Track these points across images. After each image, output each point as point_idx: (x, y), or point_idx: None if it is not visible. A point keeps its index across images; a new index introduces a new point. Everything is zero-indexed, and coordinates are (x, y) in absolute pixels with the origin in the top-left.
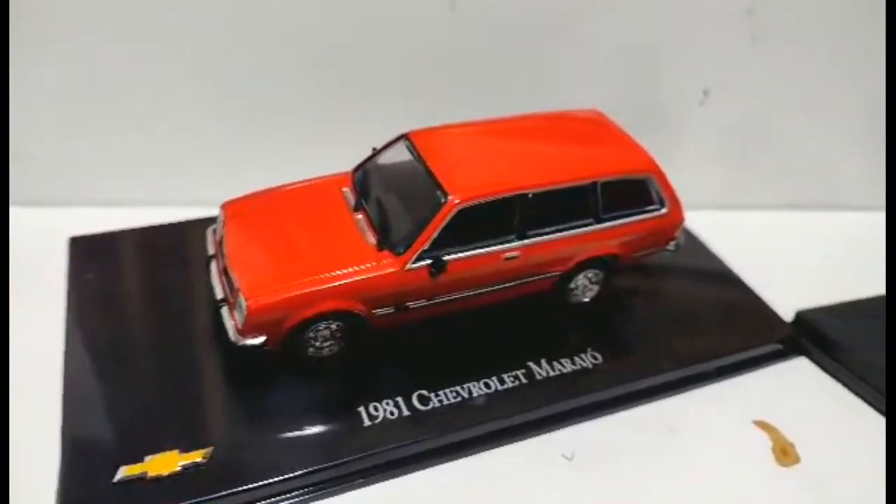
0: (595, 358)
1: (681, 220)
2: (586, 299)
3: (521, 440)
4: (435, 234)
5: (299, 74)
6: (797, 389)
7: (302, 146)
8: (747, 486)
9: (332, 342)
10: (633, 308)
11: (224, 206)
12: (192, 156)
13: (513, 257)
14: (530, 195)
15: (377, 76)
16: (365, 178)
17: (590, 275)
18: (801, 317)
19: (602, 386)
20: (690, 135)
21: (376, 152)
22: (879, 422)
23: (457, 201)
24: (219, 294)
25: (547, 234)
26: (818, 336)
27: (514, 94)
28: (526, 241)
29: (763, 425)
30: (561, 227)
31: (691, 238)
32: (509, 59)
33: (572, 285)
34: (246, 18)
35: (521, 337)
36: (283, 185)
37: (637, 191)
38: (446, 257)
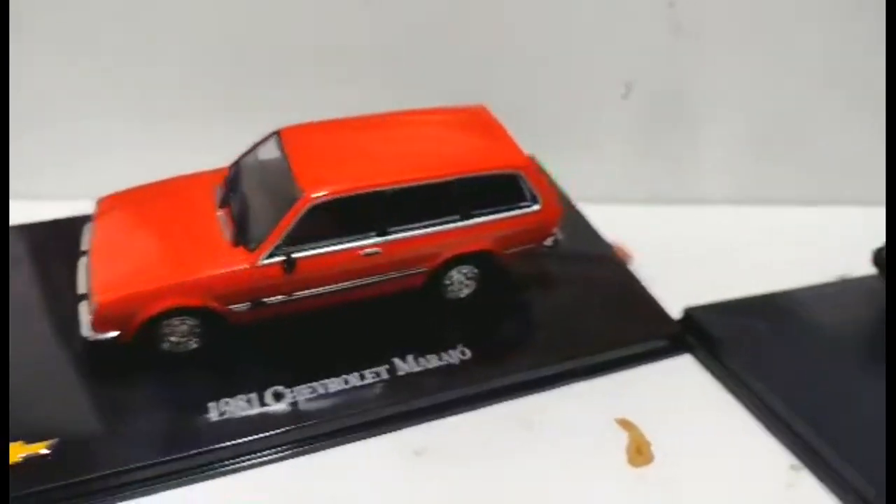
0: (464, 354)
1: (557, 216)
2: (462, 295)
3: (373, 436)
4: (287, 231)
5: (206, 68)
6: (674, 387)
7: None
8: (591, 485)
9: (188, 338)
10: (516, 303)
11: (98, 201)
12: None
13: (372, 254)
14: (390, 192)
15: (277, 70)
16: (236, 174)
17: (464, 271)
18: (689, 314)
19: (466, 382)
20: (614, 128)
21: (249, 149)
22: (751, 424)
23: (311, 197)
24: (81, 289)
25: (410, 230)
26: (702, 334)
27: (433, 90)
28: (387, 238)
29: (624, 423)
30: (425, 223)
31: (588, 232)
32: (427, 53)
33: (446, 281)
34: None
35: (391, 333)
36: (162, 181)
37: (506, 187)
38: (300, 254)
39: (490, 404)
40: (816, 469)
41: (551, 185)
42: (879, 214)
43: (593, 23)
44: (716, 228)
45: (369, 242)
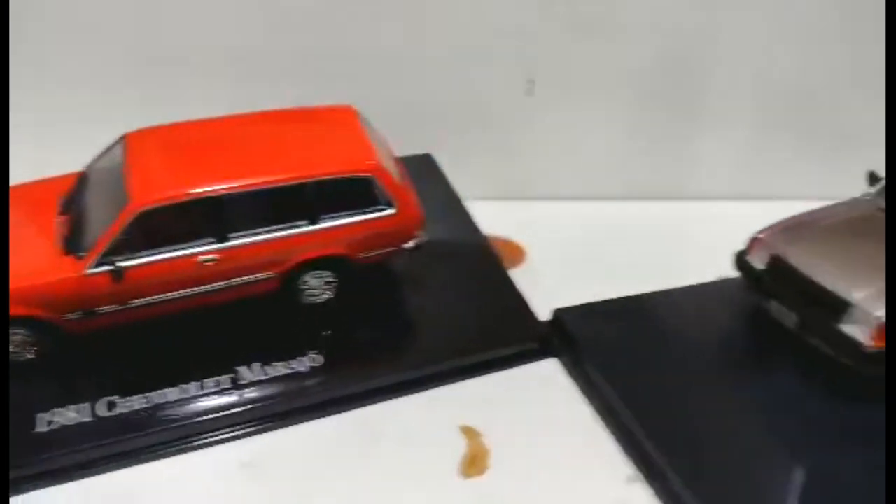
0: (314, 361)
1: (417, 219)
2: (322, 300)
3: (205, 448)
4: (113, 239)
5: None
6: (532, 393)
7: None
8: (415, 497)
9: (22, 348)
10: (380, 307)
11: None
12: None
13: (209, 261)
14: (227, 197)
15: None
16: (81, 180)
17: (321, 275)
18: (556, 316)
19: (313, 390)
20: (519, 127)
21: (99, 154)
22: (598, 433)
23: (137, 205)
24: None
25: (251, 236)
26: (566, 337)
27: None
28: (226, 245)
29: (467, 432)
30: (269, 228)
31: (471, 232)
32: (321, 51)
33: (301, 286)
34: None
35: (240, 340)
36: (21, 183)
37: (359, 191)
38: (128, 263)
39: (336, 413)
40: (652, 481)
41: (408, 188)
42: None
43: (494, 20)
44: (615, 224)
45: (205, 249)
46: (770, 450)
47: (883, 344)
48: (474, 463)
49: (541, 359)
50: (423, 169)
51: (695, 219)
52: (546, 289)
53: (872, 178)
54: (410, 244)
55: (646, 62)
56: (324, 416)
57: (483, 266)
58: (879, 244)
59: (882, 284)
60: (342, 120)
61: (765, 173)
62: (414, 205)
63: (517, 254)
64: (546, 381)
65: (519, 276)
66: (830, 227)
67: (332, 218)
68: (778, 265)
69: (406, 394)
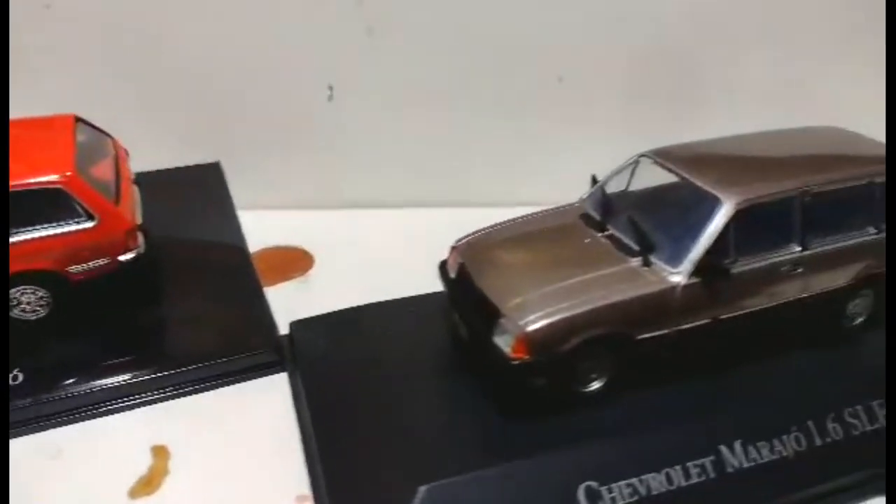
0: (15, 378)
1: (124, 231)
2: (33, 317)
3: None
4: None
5: None
6: (252, 407)
7: None
8: None
9: None
10: (111, 319)
11: None
12: None
13: None
14: None
15: None
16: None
17: (29, 290)
18: (291, 328)
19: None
20: (318, 135)
21: None
22: (292, 450)
23: None
24: None
25: None
26: (295, 350)
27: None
28: None
29: (157, 451)
30: None
31: (233, 242)
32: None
33: (12, 302)
34: None
35: None
36: None
37: (51, 203)
38: None
39: (30, 433)
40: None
41: (121, 199)
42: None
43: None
44: (410, 232)
45: None
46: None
47: (524, 355)
48: (149, 484)
49: (277, 372)
50: (205, 178)
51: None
52: (325, 297)
53: (593, 182)
54: (128, 256)
55: (443, 70)
56: (21, 436)
57: (235, 278)
58: (560, 253)
59: (536, 295)
60: (56, 129)
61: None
62: (121, 216)
63: (304, 262)
64: (270, 394)
65: (303, 284)
66: (519, 235)
67: (27, 231)
68: (461, 275)
69: (113, 412)
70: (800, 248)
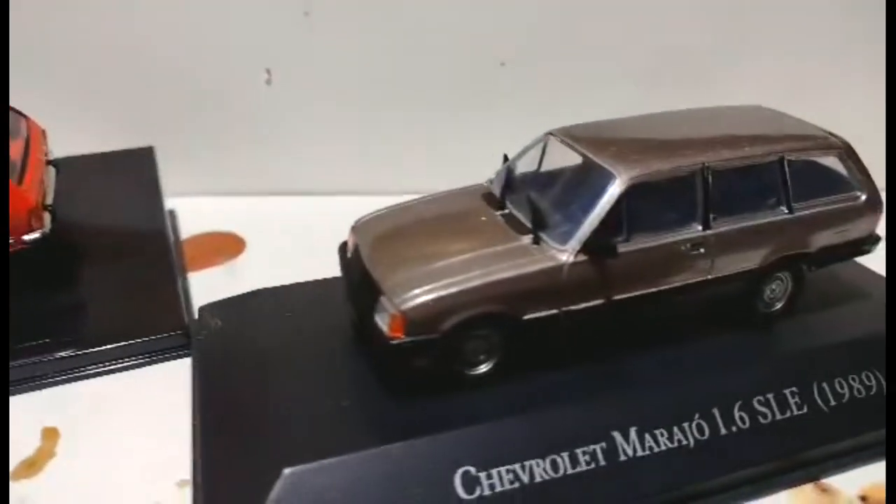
0: None
1: (29, 208)
2: None
3: None
4: None
5: None
6: (156, 389)
7: None
8: None
9: None
10: (15, 299)
11: None
12: None
13: None
14: None
15: None
16: None
17: None
18: (199, 312)
19: None
20: (256, 118)
21: None
22: (184, 437)
23: None
24: None
25: None
26: (196, 334)
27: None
28: None
29: (48, 432)
30: None
31: (155, 227)
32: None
33: None
34: None
35: None
36: None
37: None
38: None
39: None
40: (195, 490)
41: (14, 179)
42: None
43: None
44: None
45: None
46: None
47: (402, 335)
48: (32, 465)
49: (184, 356)
50: (136, 163)
51: None
52: (251, 282)
53: (504, 160)
54: (33, 236)
55: (380, 55)
56: None
57: (151, 262)
58: (453, 232)
59: (418, 273)
60: None
61: None
62: (22, 196)
63: (234, 248)
64: (172, 379)
65: (231, 269)
66: (417, 214)
67: None
68: (355, 255)
69: (14, 394)
70: (701, 228)
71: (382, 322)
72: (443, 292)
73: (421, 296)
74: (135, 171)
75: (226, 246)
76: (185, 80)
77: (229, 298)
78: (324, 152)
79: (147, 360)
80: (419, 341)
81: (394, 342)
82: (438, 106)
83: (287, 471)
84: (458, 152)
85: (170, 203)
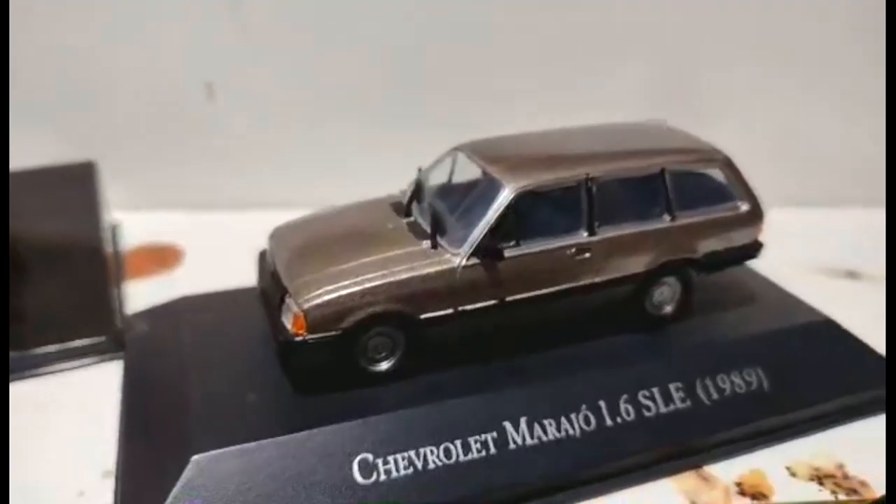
0: None
1: None
2: None
3: None
4: None
5: None
6: (83, 394)
7: None
8: None
9: None
10: None
11: None
12: None
13: None
14: None
15: None
16: None
17: None
18: (128, 318)
19: None
20: (197, 132)
21: None
22: (109, 434)
23: None
24: None
25: None
26: (126, 338)
27: None
28: None
29: None
30: None
31: (91, 240)
32: None
33: None
34: None
35: None
36: None
37: None
38: None
39: None
40: (116, 482)
41: None
42: None
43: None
44: None
45: None
46: None
47: (303, 332)
48: None
49: (115, 360)
50: (77, 177)
51: None
52: (186, 292)
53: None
54: None
55: (315, 71)
56: None
57: (85, 272)
58: (358, 237)
59: (320, 275)
60: None
61: None
62: None
63: (173, 260)
64: (103, 382)
65: (168, 280)
66: (328, 221)
67: None
68: (270, 261)
69: None
70: (586, 234)
71: (287, 321)
72: (343, 292)
73: (322, 295)
74: (75, 185)
75: (165, 257)
76: (130, 95)
77: (157, 305)
78: (263, 167)
79: (81, 362)
80: (320, 338)
81: (297, 339)
82: (371, 121)
83: (195, 458)
84: (394, 164)
85: (115, 216)
